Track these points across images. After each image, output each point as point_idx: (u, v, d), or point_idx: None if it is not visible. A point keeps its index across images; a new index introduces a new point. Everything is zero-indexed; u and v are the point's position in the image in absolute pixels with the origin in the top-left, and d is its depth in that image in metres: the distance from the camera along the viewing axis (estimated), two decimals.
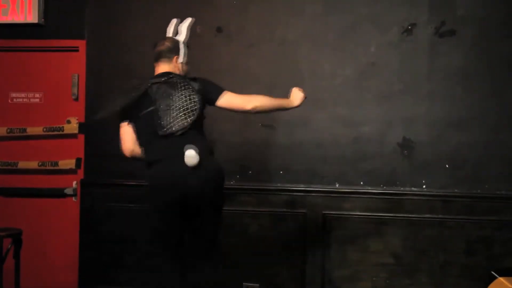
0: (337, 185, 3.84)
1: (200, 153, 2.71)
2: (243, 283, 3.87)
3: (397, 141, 3.79)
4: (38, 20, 4.20)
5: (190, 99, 2.81)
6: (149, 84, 2.87)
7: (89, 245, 4.10)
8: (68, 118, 4.23)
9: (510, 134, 3.68)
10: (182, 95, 2.82)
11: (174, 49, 2.99)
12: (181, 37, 3.02)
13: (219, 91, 2.92)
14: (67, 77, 4.24)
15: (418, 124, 3.76)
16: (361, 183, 3.81)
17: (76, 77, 4.20)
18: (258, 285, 3.86)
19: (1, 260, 3.59)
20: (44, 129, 4.22)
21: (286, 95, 3.89)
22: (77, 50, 4.19)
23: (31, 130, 4.24)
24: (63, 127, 4.22)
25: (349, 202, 3.80)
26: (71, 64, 4.23)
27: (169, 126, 2.78)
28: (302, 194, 3.85)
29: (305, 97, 3.09)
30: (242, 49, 3.97)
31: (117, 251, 4.05)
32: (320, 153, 3.85)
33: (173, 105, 2.80)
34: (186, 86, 2.84)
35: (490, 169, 3.68)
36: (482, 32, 3.72)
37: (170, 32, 3.06)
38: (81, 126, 4.17)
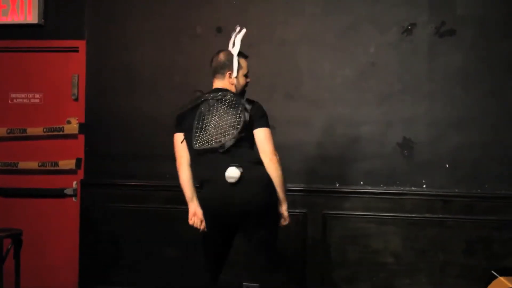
0: (337, 185, 3.84)
1: (242, 168, 2.71)
2: (243, 283, 3.87)
3: (397, 141, 3.79)
4: (38, 20, 4.20)
5: (237, 117, 2.77)
6: (202, 99, 2.86)
7: (89, 245, 4.10)
8: (68, 119, 4.23)
9: (509, 134, 3.68)
10: (230, 113, 2.79)
11: (227, 64, 2.94)
12: (235, 50, 2.95)
13: (262, 124, 2.88)
14: (67, 78, 4.24)
15: (418, 124, 3.76)
16: (361, 183, 3.81)
17: (76, 78, 4.20)
18: (258, 284, 3.85)
19: (1, 260, 3.59)
20: (44, 130, 4.22)
21: (285, 95, 3.91)
22: (77, 51, 4.19)
23: (31, 131, 4.25)
24: (63, 127, 4.22)
25: (349, 202, 3.80)
26: (71, 65, 4.23)
27: (207, 142, 2.76)
28: (302, 194, 3.85)
29: (282, 224, 3.03)
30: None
31: (117, 251, 4.05)
32: (320, 153, 3.85)
33: (218, 122, 2.78)
34: (237, 105, 2.80)
35: (489, 169, 3.68)
36: (482, 32, 3.72)
37: (230, 42, 2.98)
38: (81, 127, 4.17)
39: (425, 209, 3.72)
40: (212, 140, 2.75)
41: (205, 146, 2.76)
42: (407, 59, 3.79)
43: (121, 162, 4.08)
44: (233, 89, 2.94)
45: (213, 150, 2.76)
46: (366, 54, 3.84)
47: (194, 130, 2.80)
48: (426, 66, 3.77)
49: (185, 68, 4.01)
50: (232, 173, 2.71)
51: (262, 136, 2.87)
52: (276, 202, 2.87)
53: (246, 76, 3.01)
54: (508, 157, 3.68)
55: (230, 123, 2.77)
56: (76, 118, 4.21)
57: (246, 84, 3.03)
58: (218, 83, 2.96)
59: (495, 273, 3.07)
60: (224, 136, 2.75)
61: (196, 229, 2.92)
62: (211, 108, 2.82)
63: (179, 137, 2.93)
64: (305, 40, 3.91)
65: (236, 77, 2.94)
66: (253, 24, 3.95)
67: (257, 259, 2.92)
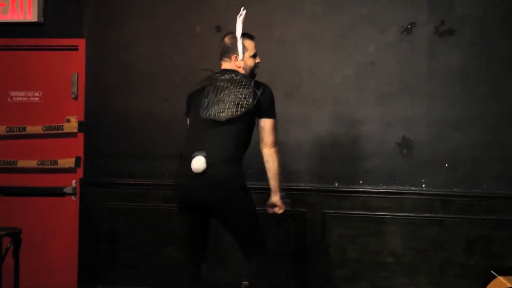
0: (336, 184, 3.84)
1: (209, 161, 2.70)
2: (242, 282, 3.87)
3: (397, 140, 3.79)
4: (38, 19, 4.20)
5: (244, 97, 2.79)
6: (212, 80, 2.89)
7: (88, 244, 4.10)
8: (67, 117, 4.23)
9: (509, 134, 3.68)
10: (238, 91, 2.80)
11: (231, 47, 2.95)
12: (238, 32, 2.94)
13: (269, 114, 2.92)
14: (66, 76, 4.24)
15: (418, 124, 3.76)
16: (361, 182, 3.81)
17: (76, 76, 4.20)
18: (257, 284, 3.86)
19: (1, 259, 3.59)
20: (44, 128, 4.22)
21: (285, 94, 3.91)
22: (77, 49, 4.19)
23: (31, 129, 4.24)
24: (62, 126, 4.22)
25: (348, 201, 3.80)
26: (71, 63, 4.22)
27: (213, 112, 2.77)
28: (302, 193, 3.85)
29: (277, 212, 3.08)
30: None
31: (117, 250, 4.05)
32: (319, 152, 3.85)
33: (225, 98, 2.79)
34: (246, 85, 2.82)
35: (489, 168, 3.69)
36: (482, 31, 3.72)
37: (238, 26, 2.97)
38: (81, 125, 4.17)
39: (425, 208, 3.73)
40: (215, 112, 2.76)
41: (207, 115, 2.77)
42: (407, 59, 3.79)
43: (120, 160, 4.08)
44: (241, 71, 2.94)
45: (209, 124, 2.77)
46: (365, 53, 3.84)
47: (202, 103, 2.81)
48: (426, 65, 3.77)
49: (185, 67, 4.00)
50: (196, 167, 2.69)
51: (267, 127, 2.92)
52: (242, 196, 2.86)
53: (254, 56, 3.00)
54: (508, 157, 3.68)
55: (235, 100, 2.78)
56: (76, 117, 4.20)
57: (255, 65, 3.01)
58: (226, 66, 2.97)
59: (494, 273, 3.06)
60: (226, 111, 2.76)
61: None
62: (220, 87, 2.83)
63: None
64: (304, 39, 3.91)
65: (242, 59, 2.94)
66: (253, 23, 3.93)
67: (239, 246, 2.93)
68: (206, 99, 2.82)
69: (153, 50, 4.08)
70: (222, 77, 2.88)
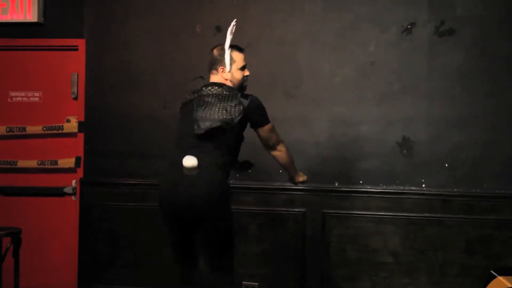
0: (336, 184, 3.84)
1: (200, 164, 2.65)
2: (242, 282, 3.88)
3: (397, 140, 3.79)
4: (38, 19, 4.20)
5: (230, 111, 2.74)
6: (199, 94, 2.85)
7: (88, 243, 4.10)
8: (67, 117, 4.23)
9: (509, 134, 3.68)
10: (224, 106, 2.75)
11: (219, 59, 2.90)
12: (226, 44, 2.89)
13: (264, 122, 2.89)
14: (66, 76, 4.24)
15: (418, 124, 3.76)
16: (361, 182, 3.81)
17: (76, 76, 4.20)
18: (257, 284, 3.86)
19: (1, 258, 3.59)
20: (44, 128, 4.22)
21: (285, 94, 3.91)
22: (77, 49, 4.19)
23: (31, 129, 4.24)
24: (62, 126, 4.22)
25: (348, 201, 3.80)
26: (71, 63, 4.23)
27: (199, 128, 2.72)
28: (302, 193, 3.85)
29: (305, 181, 3.20)
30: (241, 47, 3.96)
31: (117, 249, 4.05)
32: (319, 152, 3.85)
33: (212, 115, 2.73)
34: (233, 99, 2.78)
35: (489, 168, 3.68)
36: (482, 31, 3.72)
37: (228, 38, 2.93)
38: (81, 125, 4.17)
39: (425, 208, 3.72)
40: (203, 125, 2.72)
41: (196, 131, 2.72)
42: (407, 58, 3.79)
43: (120, 160, 4.08)
44: (228, 83, 2.90)
45: (197, 138, 2.73)
46: (365, 53, 3.84)
47: (190, 118, 2.77)
48: (426, 65, 3.77)
49: (185, 67, 4.00)
50: (188, 162, 2.64)
51: (267, 133, 2.91)
52: (223, 211, 2.77)
53: (242, 69, 2.94)
54: (508, 157, 3.68)
55: (222, 116, 2.72)
56: (76, 117, 4.21)
57: (244, 78, 2.96)
58: (213, 78, 2.93)
59: (494, 273, 3.06)
60: (213, 127, 2.71)
61: None
62: (206, 102, 2.78)
63: None
64: (304, 39, 3.90)
65: (230, 71, 2.89)
66: (253, 23, 3.96)
67: (207, 259, 2.81)
68: (193, 115, 2.77)
69: (153, 49, 4.08)
70: (209, 92, 2.83)
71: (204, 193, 2.68)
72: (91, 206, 4.10)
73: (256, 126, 2.90)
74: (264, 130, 2.90)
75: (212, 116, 2.73)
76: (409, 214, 3.74)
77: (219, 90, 2.83)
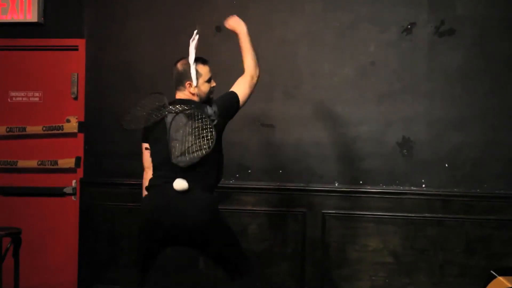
0: (336, 184, 3.84)
1: (190, 185, 2.62)
2: None
3: (397, 140, 3.79)
4: (38, 19, 4.20)
5: (203, 133, 2.63)
6: (166, 113, 2.73)
7: (88, 244, 4.10)
8: (67, 117, 4.23)
9: (509, 134, 3.68)
10: (196, 128, 2.64)
11: (184, 75, 2.80)
12: (190, 58, 2.80)
13: (233, 98, 2.81)
14: (66, 76, 4.24)
15: (418, 124, 3.76)
16: (360, 182, 3.81)
17: (76, 76, 4.20)
18: (257, 284, 3.86)
19: (1, 259, 3.59)
20: (44, 128, 4.22)
21: (285, 94, 3.91)
22: (77, 49, 4.19)
23: (31, 129, 4.24)
24: (62, 126, 4.22)
25: (348, 201, 3.80)
26: (71, 63, 4.23)
27: (179, 158, 2.63)
28: (302, 193, 3.85)
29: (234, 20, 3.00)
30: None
31: (117, 250, 4.05)
32: (319, 152, 3.85)
33: (185, 138, 2.64)
34: (201, 118, 2.66)
35: (489, 168, 3.68)
36: (482, 31, 3.72)
37: (191, 49, 2.84)
38: (81, 125, 4.17)
39: (425, 208, 3.72)
40: (182, 156, 2.62)
41: (179, 161, 2.62)
42: (407, 58, 3.79)
43: (120, 160, 4.08)
44: (195, 98, 2.81)
45: (172, 165, 2.64)
46: (365, 53, 3.84)
47: (166, 145, 2.67)
48: (426, 65, 3.77)
49: None
50: (179, 185, 2.62)
51: (242, 94, 2.83)
52: (218, 222, 2.74)
53: (209, 81, 2.85)
54: (508, 157, 3.68)
55: (197, 141, 2.62)
56: (76, 117, 4.21)
57: (211, 91, 2.87)
58: (180, 95, 2.83)
59: (494, 273, 3.06)
60: (195, 153, 2.61)
61: None
62: (178, 123, 2.69)
63: (146, 146, 2.89)
64: (304, 39, 3.90)
65: (197, 86, 2.80)
66: (253, 23, 3.93)
67: (224, 270, 2.84)
68: (167, 143, 2.67)
69: (153, 50, 4.08)
70: (176, 111, 2.71)
71: (195, 216, 2.65)
72: (91, 206, 4.10)
73: (237, 103, 2.81)
74: (239, 94, 2.82)
75: (190, 148, 2.62)
76: (409, 214, 3.74)
77: (187, 109, 2.70)
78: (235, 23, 2.99)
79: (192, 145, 2.62)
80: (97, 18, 4.16)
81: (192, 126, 2.65)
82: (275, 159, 3.90)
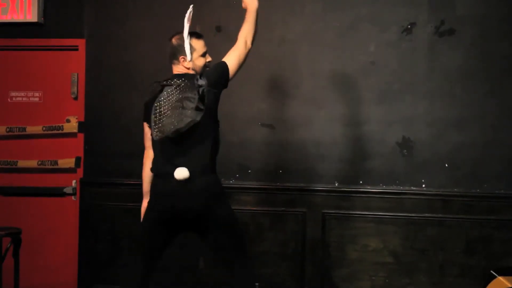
0: (336, 184, 3.84)
1: (191, 171, 2.66)
2: None
3: (397, 140, 3.79)
4: (38, 19, 4.20)
5: (191, 103, 2.65)
6: (160, 88, 2.79)
7: (88, 243, 4.10)
8: (67, 117, 4.23)
9: (509, 134, 3.68)
10: (184, 98, 2.67)
11: (178, 49, 2.83)
12: (184, 33, 2.84)
13: (224, 68, 2.81)
14: (66, 76, 4.24)
15: (418, 124, 3.76)
16: (361, 182, 3.81)
17: (76, 76, 4.20)
18: (257, 284, 3.86)
19: (1, 259, 3.59)
20: (44, 128, 4.22)
21: (285, 94, 3.91)
22: (77, 49, 4.19)
23: (31, 129, 4.24)
24: (62, 126, 4.22)
25: (348, 201, 3.80)
26: (71, 63, 4.23)
27: (161, 130, 2.66)
28: (302, 193, 3.85)
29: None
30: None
31: (117, 249, 4.06)
32: (319, 152, 3.85)
33: (173, 109, 2.67)
34: (190, 89, 2.69)
35: (489, 168, 3.68)
36: (482, 31, 3.72)
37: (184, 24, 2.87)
38: (81, 125, 4.17)
39: (425, 208, 3.72)
40: (167, 128, 2.64)
41: (160, 134, 2.65)
42: (407, 58, 3.79)
43: (120, 160, 4.08)
44: (191, 72, 2.84)
45: (169, 139, 2.68)
46: (366, 53, 3.84)
47: (152, 120, 2.71)
48: (426, 65, 3.77)
49: None
50: (180, 175, 2.66)
51: (232, 63, 2.83)
52: (224, 207, 2.80)
53: (204, 55, 2.89)
54: (508, 157, 3.68)
55: (185, 106, 2.64)
56: (76, 117, 4.21)
57: (206, 65, 2.90)
58: (175, 69, 2.87)
59: (494, 273, 3.06)
60: (180, 121, 2.63)
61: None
62: (167, 95, 2.72)
63: (146, 126, 2.92)
64: (305, 39, 3.90)
65: (191, 60, 2.83)
66: None
67: (220, 259, 2.88)
68: (157, 112, 2.69)
69: (153, 50, 4.08)
70: (170, 84, 2.76)
71: (209, 184, 2.73)
72: (91, 206, 4.10)
73: (228, 72, 2.81)
74: (229, 62, 2.83)
75: (177, 118, 2.64)
76: (409, 214, 3.74)
77: (181, 82, 2.74)
78: (250, 1, 2.97)
79: (179, 116, 2.64)
80: (97, 18, 4.16)
81: (180, 97, 2.68)
82: (275, 159, 3.90)
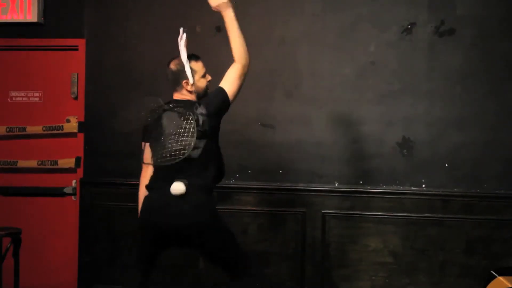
0: (336, 184, 3.84)
1: (188, 187, 2.64)
2: None
3: (397, 140, 3.79)
4: (38, 19, 4.20)
5: (189, 132, 2.65)
6: (162, 111, 2.78)
7: (88, 243, 4.10)
8: (67, 117, 4.23)
9: (509, 134, 3.68)
10: (182, 127, 2.67)
11: (179, 75, 2.82)
12: (183, 57, 2.81)
13: (223, 95, 2.79)
14: (66, 76, 4.24)
15: (418, 124, 3.76)
16: (361, 182, 3.81)
17: (76, 76, 4.20)
18: (257, 284, 3.86)
19: (1, 259, 3.59)
20: (44, 128, 4.22)
21: (285, 94, 3.91)
22: (77, 49, 4.19)
23: (31, 129, 4.24)
24: (62, 126, 4.22)
25: (348, 201, 3.80)
26: (71, 63, 4.22)
27: (163, 158, 2.65)
28: (302, 193, 3.85)
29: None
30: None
31: (117, 249, 4.05)
32: (319, 152, 3.85)
33: (172, 136, 2.67)
34: (189, 117, 2.68)
35: (489, 168, 3.69)
36: (482, 31, 3.72)
37: (181, 47, 2.84)
38: (81, 125, 4.17)
39: (425, 208, 3.73)
40: (169, 155, 2.64)
41: (164, 160, 2.65)
42: (407, 58, 3.79)
43: (120, 160, 4.08)
44: (193, 96, 2.84)
45: (171, 165, 2.65)
46: (365, 53, 3.84)
47: (154, 144, 2.72)
48: (426, 65, 3.77)
49: None
50: (176, 189, 2.64)
51: (230, 89, 2.79)
52: (216, 223, 2.77)
53: (204, 76, 2.89)
54: (508, 156, 3.68)
55: (185, 132, 2.64)
56: (76, 117, 4.21)
57: (207, 85, 2.90)
58: (177, 95, 2.85)
59: (494, 273, 3.06)
60: (181, 149, 2.62)
61: None
62: (167, 120, 2.73)
63: (146, 145, 2.89)
64: (305, 39, 3.90)
65: (193, 83, 2.82)
66: (253, 23, 3.95)
67: (223, 270, 2.86)
68: (157, 141, 2.71)
69: (153, 50, 4.08)
70: (171, 109, 2.76)
71: (202, 203, 2.69)
72: (91, 206, 4.10)
73: (228, 98, 2.79)
74: (227, 89, 2.79)
75: (174, 146, 2.64)
76: (409, 214, 3.74)
77: (180, 108, 2.74)
78: (217, 1, 2.88)
79: (177, 143, 2.64)
80: (97, 18, 4.16)
81: (179, 125, 2.67)
82: (275, 159, 3.90)
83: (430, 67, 3.76)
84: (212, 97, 2.81)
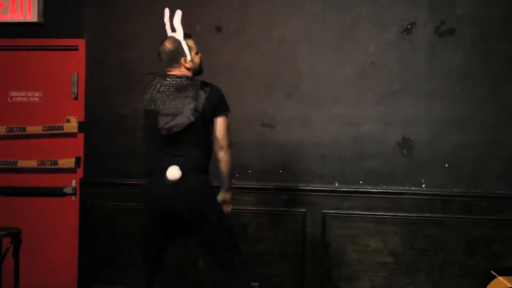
0: (336, 184, 3.84)
1: (183, 170, 2.72)
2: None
3: (397, 140, 3.79)
4: (38, 19, 4.20)
5: (190, 102, 2.75)
6: (158, 82, 2.84)
7: (88, 244, 4.10)
8: (67, 117, 4.23)
9: (509, 134, 3.68)
10: (184, 97, 2.76)
11: (177, 52, 2.91)
12: (179, 34, 2.93)
13: (221, 110, 2.87)
14: (66, 76, 4.24)
15: (418, 124, 3.76)
16: (361, 182, 3.81)
17: (76, 76, 4.20)
18: (257, 284, 3.86)
19: (1, 259, 3.59)
20: (44, 128, 4.22)
21: (285, 94, 3.91)
22: (77, 49, 4.19)
23: (31, 129, 4.24)
24: (62, 126, 4.22)
25: (348, 201, 3.80)
26: (71, 63, 4.22)
27: (166, 127, 2.75)
28: (302, 193, 3.85)
29: (227, 210, 3.02)
30: (241, 49, 3.97)
31: (117, 250, 4.05)
32: (319, 152, 3.85)
33: (173, 108, 2.75)
34: (192, 89, 2.78)
35: (489, 168, 3.69)
36: (482, 31, 3.72)
37: (168, 29, 3.01)
38: (81, 125, 4.17)
39: (425, 208, 3.72)
40: (166, 124, 2.73)
41: (166, 131, 2.74)
42: (407, 58, 3.79)
43: (120, 160, 4.08)
44: (190, 73, 2.92)
45: (163, 138, 2.76)
46: (365, 53, 3.84)
47: (155, 115, 2.78)
48: (426, 65, 3.77)
49: None
50: (172, 175, 2.73)
51: (220, 126, 2.87)
52: (213, 207, 2.84)
53: (197, 53, 2.99)
54: (508, 156, 3.68)
55: (184, 107, 2.74)
56: (76, 117, 4.21)
57: (201, 60, 3.00)
58: (175, 72, 2.91)
59: (494, 273, 3.06)
60: (177, 120, 2.73)
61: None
62: (169, 93, 2.79)
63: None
64: (305, 39, 3.90)
65: (191, 60, 2.92)
66: (253, 23, 3.96)
67: (215, 260, 2.91)
68: (154, 108, 2.78)
69: (153, 50, 4.04)
70: (167, 83, 2.82)
71: (199, 186, 2.78)
72: (91, 206, 4.10)
73: (214, 114, 2.86)
74: (219, 120, 2.87)
75: (176, 108, 2.74)
76: (409, 214, 3.74)
77: (178, 81, 2.82)
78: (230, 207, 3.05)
79: (177, 113, 2.73)
80: (97, 18, 4.16)
81: (179, 96, 2.77)
82: (275, 159, 3.90)
83: (430, 67, 3.76)
84: (221, 99, 2.89)
